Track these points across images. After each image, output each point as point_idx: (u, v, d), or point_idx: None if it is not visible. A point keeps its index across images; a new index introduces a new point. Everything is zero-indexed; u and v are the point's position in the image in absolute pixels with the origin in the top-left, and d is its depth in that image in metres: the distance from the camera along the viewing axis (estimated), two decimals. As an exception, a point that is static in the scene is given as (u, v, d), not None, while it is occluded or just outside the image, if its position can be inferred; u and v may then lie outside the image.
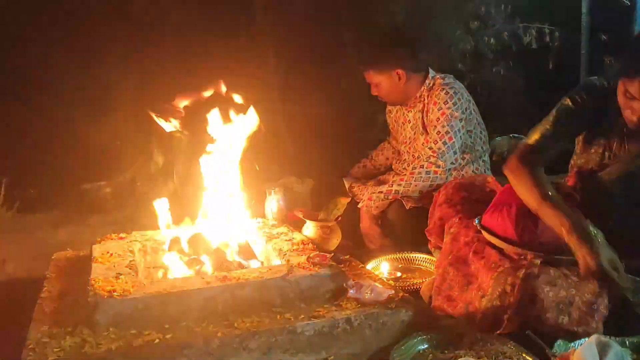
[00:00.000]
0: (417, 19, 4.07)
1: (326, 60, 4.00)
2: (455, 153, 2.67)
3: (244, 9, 3.91)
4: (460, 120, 2.67)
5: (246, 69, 3.75)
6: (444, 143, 2.64)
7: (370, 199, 2.67)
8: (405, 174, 2.67)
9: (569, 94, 1.98)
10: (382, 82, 2.77)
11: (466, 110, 2.70)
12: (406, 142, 2.89)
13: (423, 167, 2.63)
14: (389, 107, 3.02)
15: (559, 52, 4.36)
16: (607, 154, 1.97)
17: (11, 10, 3.36)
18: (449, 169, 2.67)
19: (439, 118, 2.67)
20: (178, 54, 3.54)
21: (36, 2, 3.42)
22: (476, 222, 1.94)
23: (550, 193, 1.77)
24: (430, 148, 2.65)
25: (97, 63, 3.44)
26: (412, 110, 2.83)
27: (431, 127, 2.70)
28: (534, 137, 1.97)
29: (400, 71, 2.73)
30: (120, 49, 3.42)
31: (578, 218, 1.69)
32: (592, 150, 2.01)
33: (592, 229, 1.66)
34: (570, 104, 1.96)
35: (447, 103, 2.66)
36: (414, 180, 2.62)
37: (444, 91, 2.68)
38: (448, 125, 2.65)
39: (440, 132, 2.65)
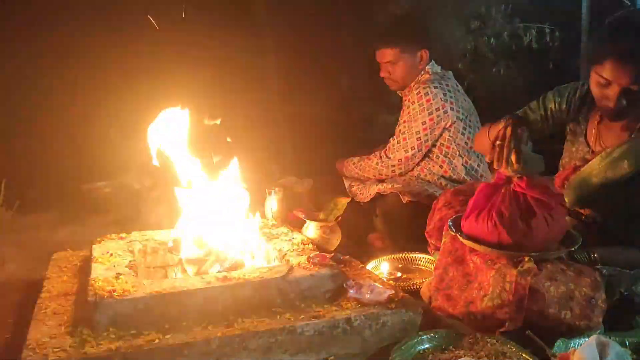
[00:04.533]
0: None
1: (326, 60, 4.00)
2: (406, 152, 2.77)
3: (244, 9, 3.91)
4: (423, 123, 2.73)
5: (246, 68, 3.76)
6: (398, 142, 2.78)
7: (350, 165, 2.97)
8: (370, 158, 2.89)
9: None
10: (402, 60, 2.79)
11: (436, 111, 2.72)
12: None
13: (376, 156, 2.87)
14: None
15: (559, 52, 4.36)
16: (586, 149, 2.04)
17: (9, 10, 3.36)
18: (395, 165, 2.80)
19: (403, 116, 2.80)
20: (178, 54, 3.54)
21: (37, 3, 3.42)
22: (452, 231, 1.92)
23: None
24: (390, 141, 2.82)
25: (97, 62, 3.44)
26: (404, 99, 2.90)
27: (399, 121, 2.83)
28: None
29: (425, 52, 2.79)
30: (118, 48, 3.42)
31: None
32: (574, 149, 2.10)
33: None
34: (544, 96, 2.17)
35: (414, 104, 2.74)
36: (367, 167, 2.90)
37: (417, 91, 2.75)
38: (407, 126, 2.76)
39: (400, 131, 2.79)
